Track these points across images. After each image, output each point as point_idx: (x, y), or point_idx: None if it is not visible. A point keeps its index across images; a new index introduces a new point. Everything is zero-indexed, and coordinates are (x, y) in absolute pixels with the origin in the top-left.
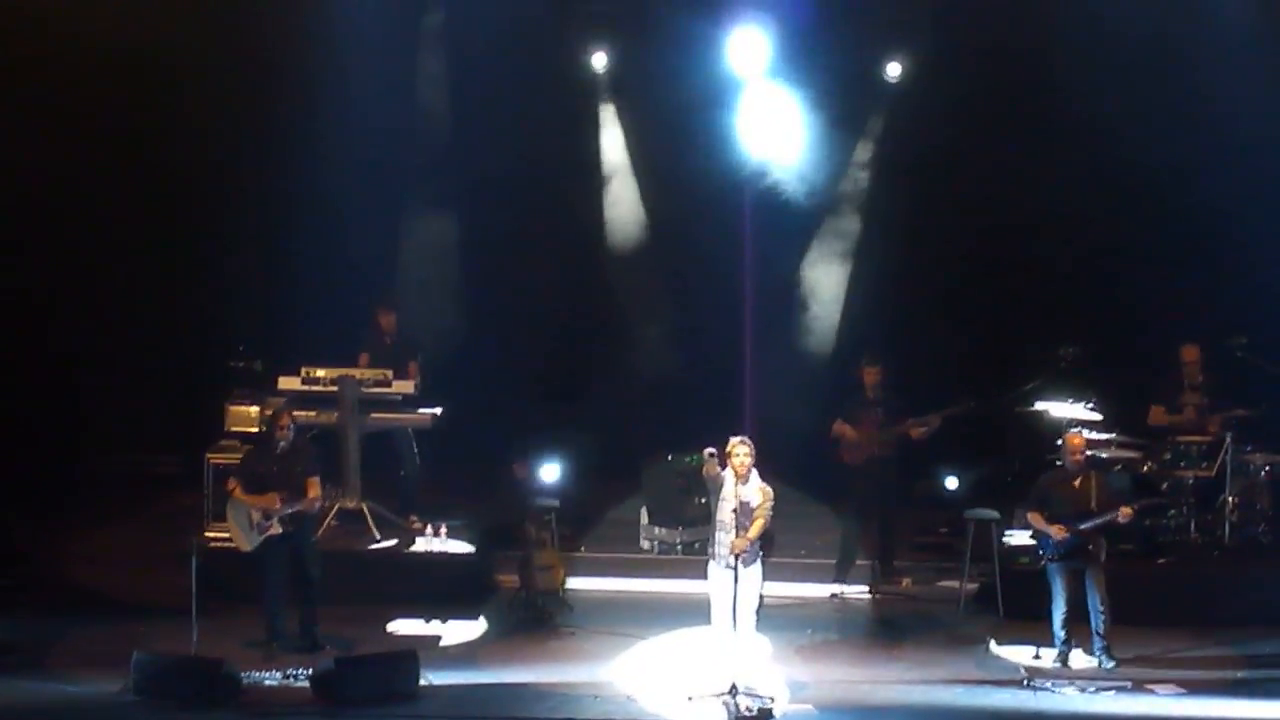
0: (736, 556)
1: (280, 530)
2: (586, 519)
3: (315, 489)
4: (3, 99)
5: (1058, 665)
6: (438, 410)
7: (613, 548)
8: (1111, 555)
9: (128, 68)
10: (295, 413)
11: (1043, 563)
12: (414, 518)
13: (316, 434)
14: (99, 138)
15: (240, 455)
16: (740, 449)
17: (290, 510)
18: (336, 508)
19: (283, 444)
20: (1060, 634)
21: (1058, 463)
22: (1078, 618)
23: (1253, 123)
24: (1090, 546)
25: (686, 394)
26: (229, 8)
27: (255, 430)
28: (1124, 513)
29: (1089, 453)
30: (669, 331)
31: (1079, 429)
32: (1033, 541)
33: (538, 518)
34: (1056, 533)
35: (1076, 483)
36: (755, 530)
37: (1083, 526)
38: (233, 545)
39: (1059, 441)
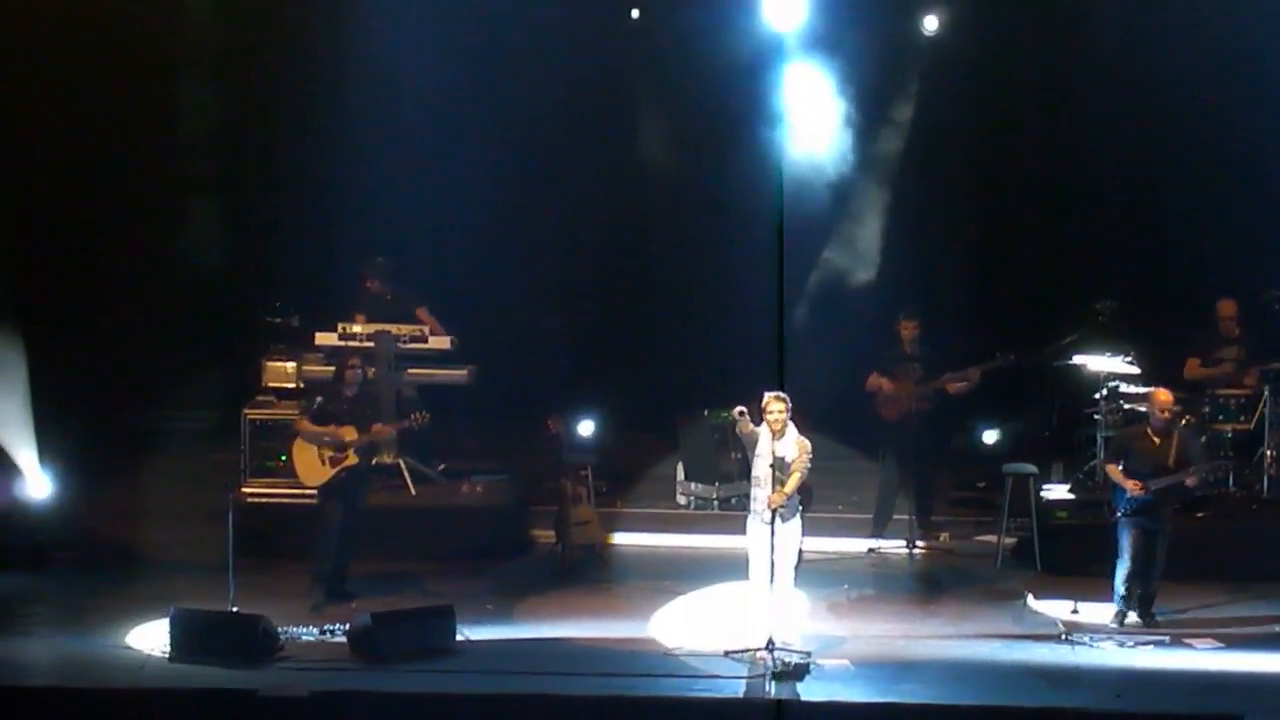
0: (774, 512)
1: (355, 461)
2: (623, 474)
3: (382, 428)
4: (61, 51)
5: (1114, 624)
6: (473, 367)
7: (649, 503)
8: None
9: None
10: (330, 368)
11: (1114, 518)
12: (440, 465)
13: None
14: (141, 93)
15: (276, 409)
16: (775, 404)
17: (366, 440)
18: (374, 460)
19: (353, 386)
20: (1121, 591)
21: (1095, 417)
22: (1138, 576)
23: None
24: (1162, 506)
25: (723, 349)
26: None
27: (293, 385)
28: (1189, 478)
29: (1176, 409)
30: (705, 286)
31: (1123, 388)
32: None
33: (573, 473)
34: (1133, 488)
35: (1158, 440)
36: (792, 485)
37: (1154, 485)
38: (284, 500)
39: (1098, 398)
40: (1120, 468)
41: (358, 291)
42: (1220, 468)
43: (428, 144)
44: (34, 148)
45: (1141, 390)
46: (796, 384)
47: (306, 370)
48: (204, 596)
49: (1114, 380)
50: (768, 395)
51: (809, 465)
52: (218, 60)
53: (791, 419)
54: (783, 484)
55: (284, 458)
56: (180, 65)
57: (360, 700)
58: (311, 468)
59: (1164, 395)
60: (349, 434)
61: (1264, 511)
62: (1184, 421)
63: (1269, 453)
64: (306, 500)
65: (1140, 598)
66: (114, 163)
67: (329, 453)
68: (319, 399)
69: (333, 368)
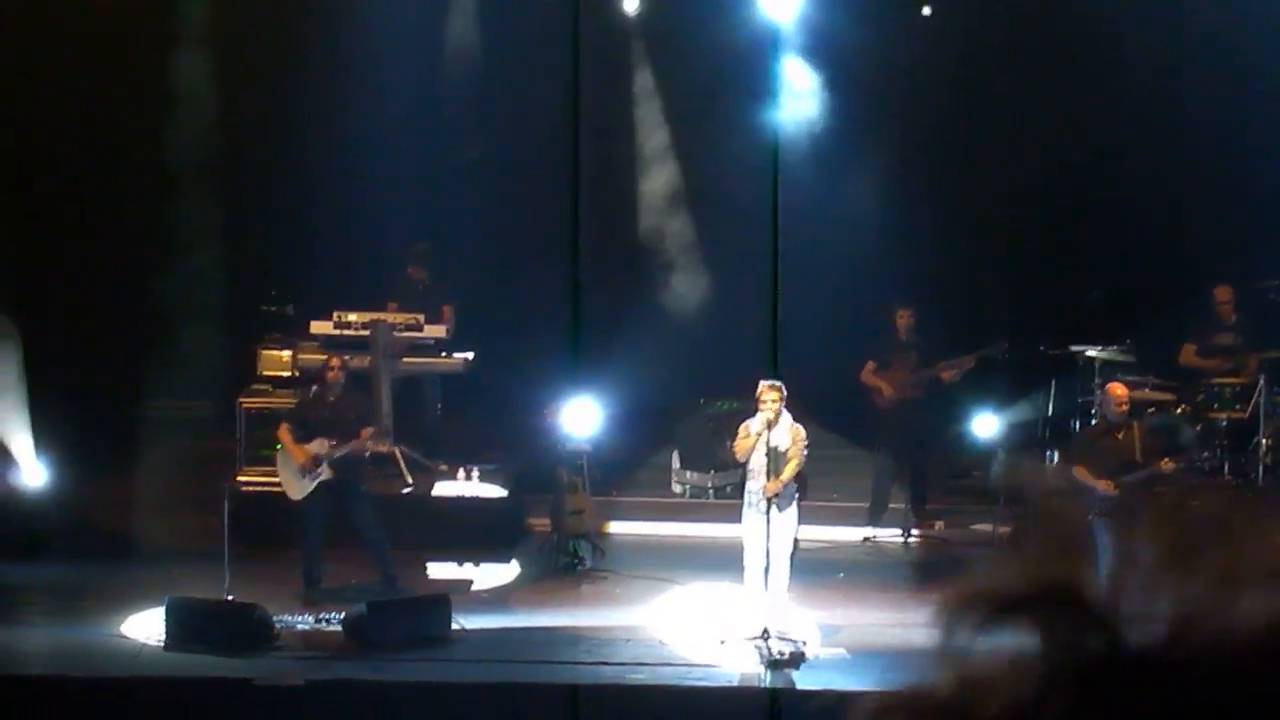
0: (770, 500)
1: (331, 475)
2: (618, 463)
3: (367, 434)
4: (44, 49)
5: None
6: (469, 355)
7: (645, 492)
8: None
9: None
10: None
11: (1089, 517)
12: (441, 464)
13: (317, 377)
14: (136, 79)
15: (271, 398)
16: (770, 393)
17: (340, 454)
18: (369, 452)
19: (335, 390)
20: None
21: (1092, 409)
22: None
23: None
24: (1137, 500)
25: (718, 338)
26: None
27: (289, 374)
28: (1165, 465)
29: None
30: (700, 274)
31: (1119, 377)
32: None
33: (569, 461)
34: (1105, 487)
35: (1120, 434)
36: (789, 472)
37: (1124, 480)
38: (280, 490)
39: (1094, 386)
40: (1089, 469)
41: (396, 278)
42: (1196, 454)
43: (424, 133)
44: (27, 136)
45: (1137, 379)
46: (791, 372)
47: (302, 359)
48: (199, 585)
49: (1109, 368)
50: (763, 384)
51: (805, 453)
52: (214, 47)
53: (786, 407)
54: (779, 473)
55: (280, 447)
56: (176, 51)
57: (356, 689)
58: (290, 481)
59: (1119, 389)
60: (323, 448)
61: (1259, 500)
62: (1150, 410)
63: (1265, 441)
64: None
65: None
66: (107, 151)
67: (308, 465)
68: (300, 405)
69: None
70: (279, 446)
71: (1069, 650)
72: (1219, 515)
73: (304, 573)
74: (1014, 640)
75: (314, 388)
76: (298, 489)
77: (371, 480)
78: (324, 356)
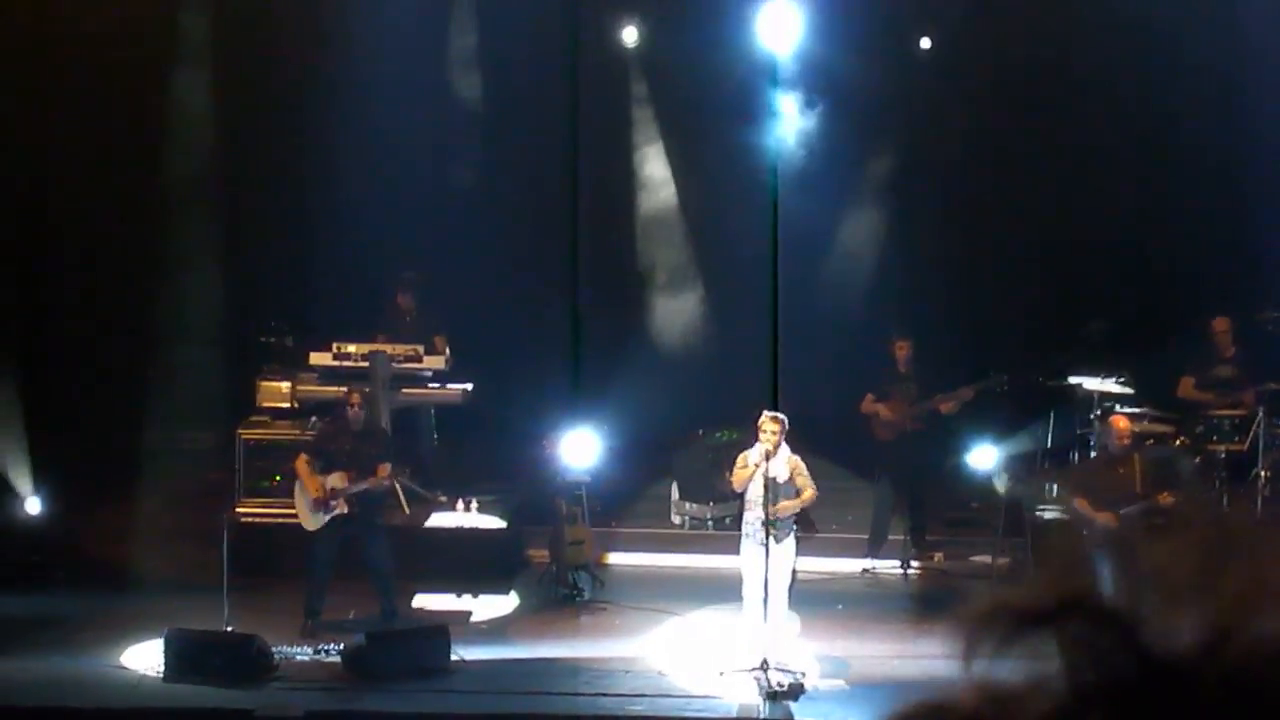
0: (768, 531)
1: (347, 510)
2: (617, 494)
3: (385, 470)
4: (45, 76)
5: None
6: (468, 386)
7: (644, 523)
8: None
9: (157, 46)
10: (325, 387)
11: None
12: (440, 495)
13: (336, 410)
14: (129, 113)
15: (270, 429)
16: (771, 425)
17: (357, 489)
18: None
19: (355, 423)
20: None
21: (1089, 439)
22: None
23: None
24: (1137, 532)
25: (718, 369)
26: None
27: (287, 405)
28: (1165, 498)
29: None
30: (699, 305)
31: (1119, 410)
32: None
33: (568, 492)
34: (1106, 520)
35: (1121, 467)
36: (807, 496)
37: (1124, 513)
38: (279, 521)
39: (1092, 418)
40: (1090, 501)
41: (383, 307)
42: (1196, 486)
43: (423, 163)
44: (27, 170)
45: (1135, 411)
46: (790, 404)
47: (301, 390)
48: (199, 616)
49: (1108, 400)
50: (765, 415)
51: (810, 481)
52: (212, 78)
53: (785, 439)
54: (774, 505)
55: (279, 478)
56: (173, 82)
57: None
58: (305, 513)
59: (1121, 422)
60: (341, 481)
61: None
62: (1148, 442)
63: (1263, 473)
64: (300, 521)
65: None
66: (107, 182)
67: (325, 497)
68: (319, 436)
69: (329, 389)
70: (296, 477)
71: (1097, 664)
72: (1244, 531)
73: (306, 604)
74: (1032, 656)
75: (333, 420)
76: (313, 521)
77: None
78: (325, 388)
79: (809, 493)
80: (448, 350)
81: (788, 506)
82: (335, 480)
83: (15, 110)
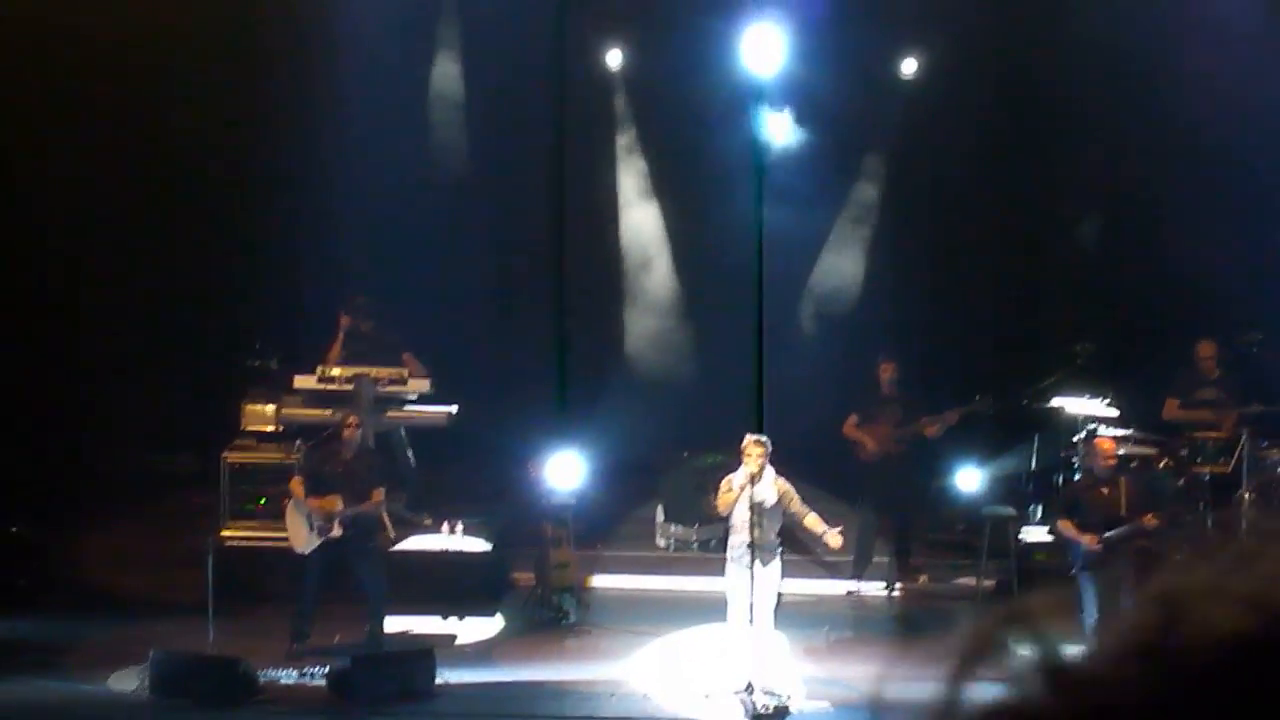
0: (752, 554)
1: (339, 533)
2: (602, 517)
3: (379, 495)
4: (13, 99)
5: None
6: (453, 408)
7: (629, 545)
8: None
9: (137, 66)
10: (310, 410)
11: (1073, 572)
12: (426, 517)
13: (330, 433)
14: (110, 137)
15: (255, 452)
16: (755, 448)
17: (351, 513)
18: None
19: (350, 447)
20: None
21: (1074, 462)
22: None
23: (1274, 115)
24: (1121, 555)
25: (703, 391)
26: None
27: (272, 428)
28: (1149, 520)
29: (1120, 454)
30: (685, 328)
31: (1104, 432)
32: (1060, 547)
33: (554, 515)
34: (1090, 542)
35: (1106, 489)
36: (813, 522)
37: (1109, 535)
38: (264, 545)
39: (1076, 440)
40: (1076, 522)
41: (335, 331)
42: (1180, 511)
43: (408, 188)
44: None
45: (1120, 433)
46: (776, 427)
47: (285, 413)
48: (183, 639)
49: (1093, 423)
50: (748, 438)
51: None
52: (196, 97)
53: (770, 461)
54: (762, 528)
55: (264, 501)
56: (156, 104)
57: None
58: (298, 535)
59: (1106, 444)
60: (335, 505)
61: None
62: (1133, 464)
63: (1248, 495)
64: (285, 544)
65: None
66: (85, 198)
67: (319, 521)
68: (313, 459)
69: (314, 412)
70: (291, 499)
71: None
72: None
73: (293, 627)
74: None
75: (326, 443)
76: (306, 543)
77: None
78: (310, 411)
79: (812, 516)
80: (417, 365)
81: (834, 540)
82: (329, 503)
83: None
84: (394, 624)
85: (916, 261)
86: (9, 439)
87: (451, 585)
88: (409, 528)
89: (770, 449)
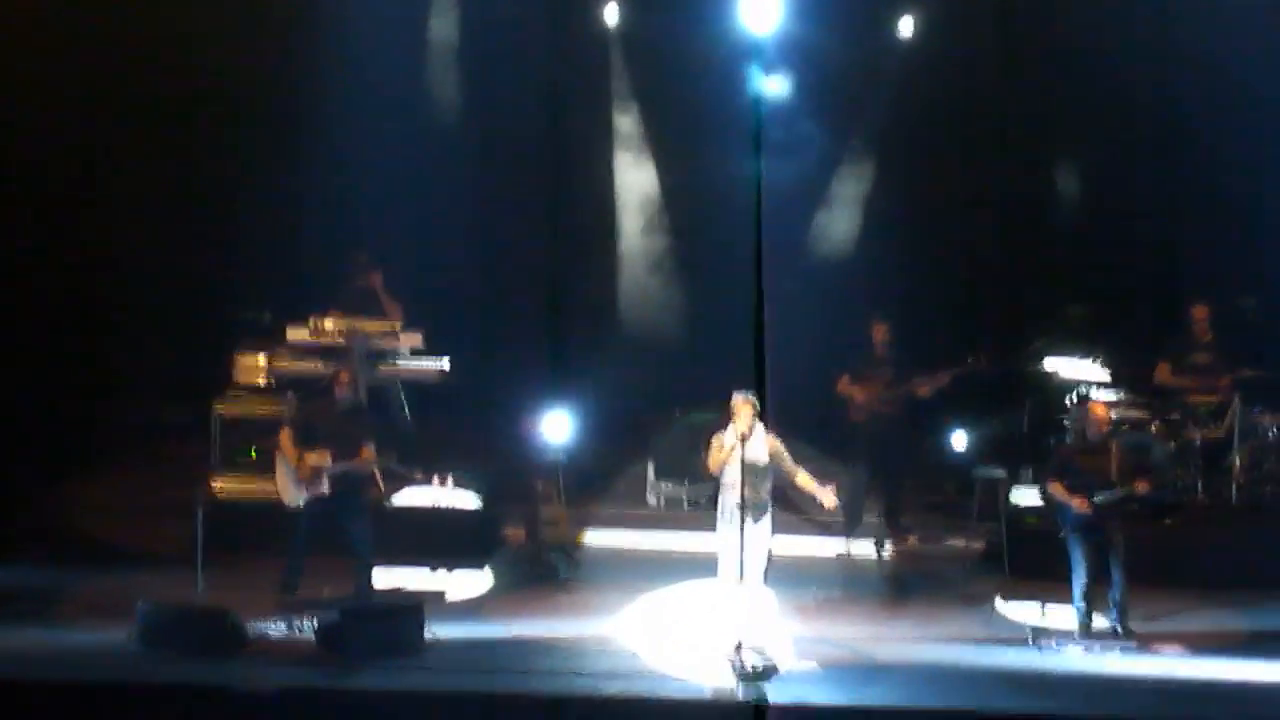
0: (743, 513)
1: (328, 488)
2: (594, 474)
3: (369, 452)
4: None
5: (1080, 634)
6: (444, 363)
7: (620, 503)
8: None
9: (137, 27)
10: (302, 363)
11: (1062, 534)
12: (417, 472)
13: (322, 386)
14: (108, 93)
15: (247, 404)
16: (744, 408)
17: (340, 469)
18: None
19: (342, 403)
20: (1082, 605)
21: (1065, 423)
22: (1097, 585)
23: (1271, 75)
24: (1111, 518)
25: (696, 348)
26: None
27: (264, 381)
28: (1140, 486)
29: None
30: (677, 284)
31: (1097, 396)
32: (1051, 509)
33: (545, 471)
34: (1078, 505)
35: (1097, 453)
36: (805, 480)
37: (1098, 500)
38: (255, 496)
39: (1069, 403)
40: (1066, 485)
41: (337, 288)
42: (1170, 478)
43: (402, 145)
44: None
45: (1112, 396)
46: (771, 385)
47: (277, 366)
48: (172, 590)
49: (1085, 385)
50: (736, 396)
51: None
52: (195, 60)
53: (760, 419)
54: (755, 487)
55: (255, 453)
56: (157, 63)
57: (328, 697)
58: (286, 488)
59: (1099, 409)
60: (324, 458)
61: (1233, 519)
62: (1124, 428)
63: (1239, 460)
64: (275, 497)
65: (1113, 605)
66: (89, 157)
67: (304, 476)
68: (304, 413)
69: (306, 365)
70: (279, 451)
71: None
72: None
73: (282, 579)
74: None
75: (318, 396)
76: (294, 496)
77: None
78: (302, 364)
79: (803, 475)
80: (387, 295)
81: (828, 500)
82: (317, 458)
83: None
84: (384, 578)
85: (911, 221)
86: (1, 389)
87: (442, 540)
88: (400, 482)
89: (759, 407)
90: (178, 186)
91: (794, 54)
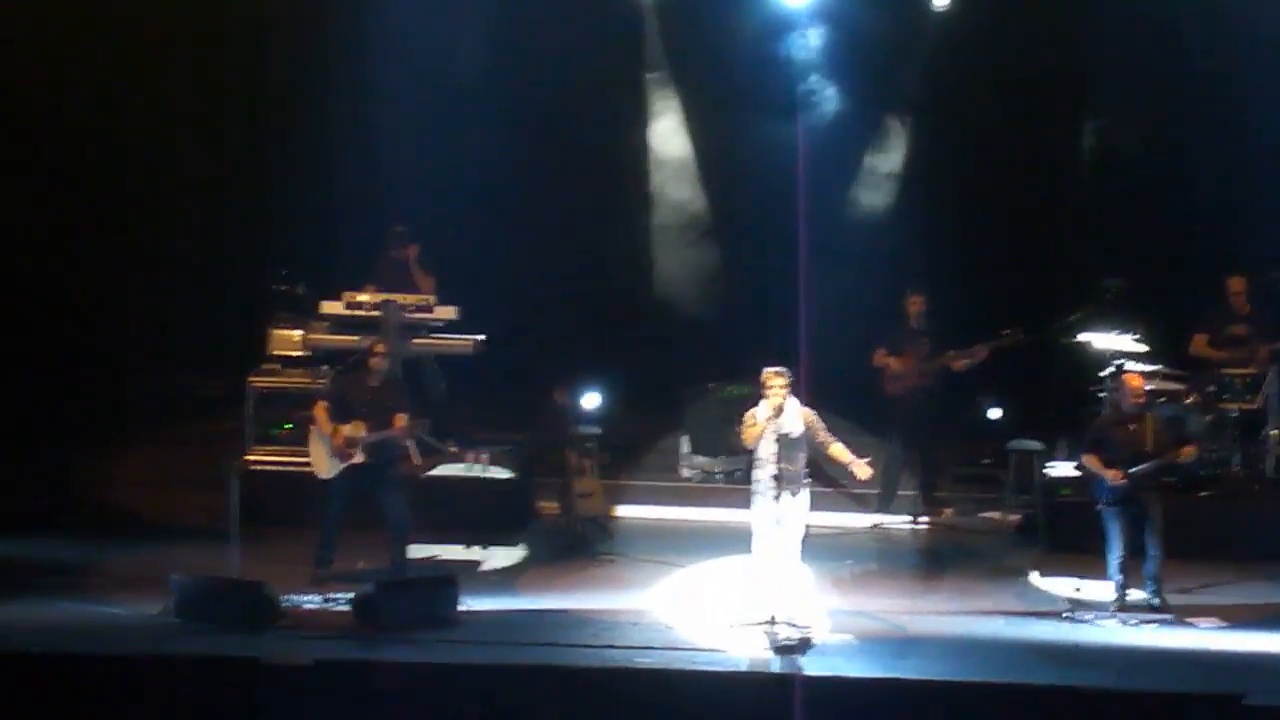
0: (779, 488)
1: (362, 459)
2: (628, 447)
3: (402, 420)
4: (51, 23)
5: (1115, 608)
6: (480, 336)
7: (653, 476)
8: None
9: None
10: (337, 336)
11: (1098, 507)
12: (452, 446)
13: (357, 359)
14: (141, 63)
15: (282, 377)
16: (775, 380)
17: (375, 439)
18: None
19: (377, 375)
20: (1118, 578)
21: (1100, 395)
22: (1132, 557)
23: None
24: (1146, 491)
25: (731, 321)
26: None
27: (299, 354)
28: (1185, 452)
29: (1147, 389)
30: (717, 256)
31: (1132, 367)
32: (1085, 481)
33: (579, 444)
34: (1113, 477)
35: (1132, 425)
36: (839, 451)
37: (1134, 471)
38: (289, 469)
39: (1104, 376)
40: (1101, 458)
41: (376, 261)
42: (1213, 448)
43: (437, 116)
44: (39, 112)
45: (1148, 369)
46: (804, 357)
47: (312, 339)
48: (207, 563)
49: (1120, 358)
50: (767, 370)
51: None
52: (228, 32)
53: (794, 392)
54: (790, 460)
55: (289, 426)
56: (189, 35)
57: (363, 669)
58: (321, 460)
59: (1135, 380)
60: (359, 430)
61: (1268, 491)
62: (1160, 400)
63: (1274, 432)
64: (310, 470)
65: (1147, 579)
66: (121, 130)
67: (341, 445)
68: (339, 385)
69: (341, 338)
70: (313, 424)
71: None
72: None
73: (317, 553)
74: None
75: (352, 369)
76: (328, 468)
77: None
78: (337, 337)
79: (837, 446)
80: (420, 270)
81: (861, 471)
82: (352, 430)
83: (30, 54)
84: (418, 551)
85: (948, 194)
86: (35, 361)
87: (476, 513)
88: (435, 455)
89: (791, 380)
90: (213, 159)
91: (830, 22)
